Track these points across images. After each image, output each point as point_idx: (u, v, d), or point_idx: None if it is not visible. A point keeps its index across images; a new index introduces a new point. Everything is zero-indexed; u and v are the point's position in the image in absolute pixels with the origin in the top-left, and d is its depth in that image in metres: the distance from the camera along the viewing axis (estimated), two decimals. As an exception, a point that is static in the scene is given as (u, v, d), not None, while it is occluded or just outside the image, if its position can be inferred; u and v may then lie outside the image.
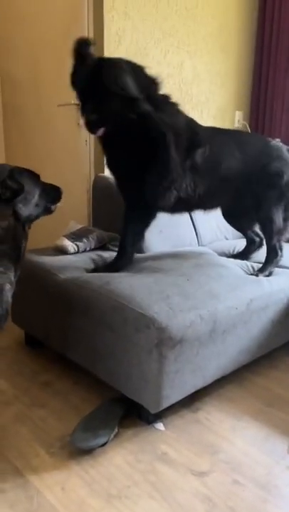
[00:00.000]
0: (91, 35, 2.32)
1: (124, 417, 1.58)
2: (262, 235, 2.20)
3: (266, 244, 2.10)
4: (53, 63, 2.60)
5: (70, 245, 1.99)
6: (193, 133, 1.83)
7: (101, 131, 1.64)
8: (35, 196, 1.38)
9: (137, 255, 1.99)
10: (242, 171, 1.97)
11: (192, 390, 1.61)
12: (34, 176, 1.41)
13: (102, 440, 1.44)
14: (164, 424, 1.59)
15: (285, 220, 2.06)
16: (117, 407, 1.59)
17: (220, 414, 1.66)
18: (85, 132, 2.47)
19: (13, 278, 1.33)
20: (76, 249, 2.00)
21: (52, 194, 1.46)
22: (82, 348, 1.70)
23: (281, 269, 2.04)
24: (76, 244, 2.00)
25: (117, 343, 1.55)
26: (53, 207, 1.47)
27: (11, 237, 1.31)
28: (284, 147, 2.09)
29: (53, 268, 1.83)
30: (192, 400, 1.70)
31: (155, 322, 1.42)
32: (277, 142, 2.13)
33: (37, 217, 1.41)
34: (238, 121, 3.01)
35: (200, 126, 1.93)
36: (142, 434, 1.54)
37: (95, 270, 1.83)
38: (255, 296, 1.73)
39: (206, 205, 2.06)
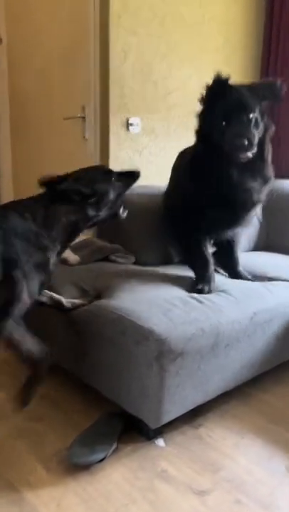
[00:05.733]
0: (97, 52, 2.35)
1: (124, 432, 1.54)
2: None
3: (235, 254, 2.08)
4: (60, 78, 2.64)
5: (71, 257, 1.98)
6: None
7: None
8: (109, 197, 1.47)
9: (141, 268, 1.98)
10: None
11: (194, 405, 1.57)
12: (107, 177, 1.49)
13: (100, 456, 1.41)
14: (164, 440, 1.55)
15: None
16: (116, 421, 1.55)
17: (222, 431, 1.61)
18: (90, 145, 2.50)
19: (55, 257, 1.44)
20: (77, 261, 1.99)
21: (127, 181, 1.54)
22: (81, 361, 1.67)
23: (286, 283, 2.00)
24: (78, 256, 1.99)
25: (116, 356, 1.52)
26: (124, 214, 1.55)
27: (70, 230, 1.43)
28: None
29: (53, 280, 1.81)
30: (194, 416, 1.65)
31: (154, 334, 1.40)
32: None
33: (103, 220, 1.51)
34: (244, 135, 3.01)
35: None
36: (141, 450, 1.50)
37: (200, 291, 1.75)
38: (259, 310, 1.70)
39: None
